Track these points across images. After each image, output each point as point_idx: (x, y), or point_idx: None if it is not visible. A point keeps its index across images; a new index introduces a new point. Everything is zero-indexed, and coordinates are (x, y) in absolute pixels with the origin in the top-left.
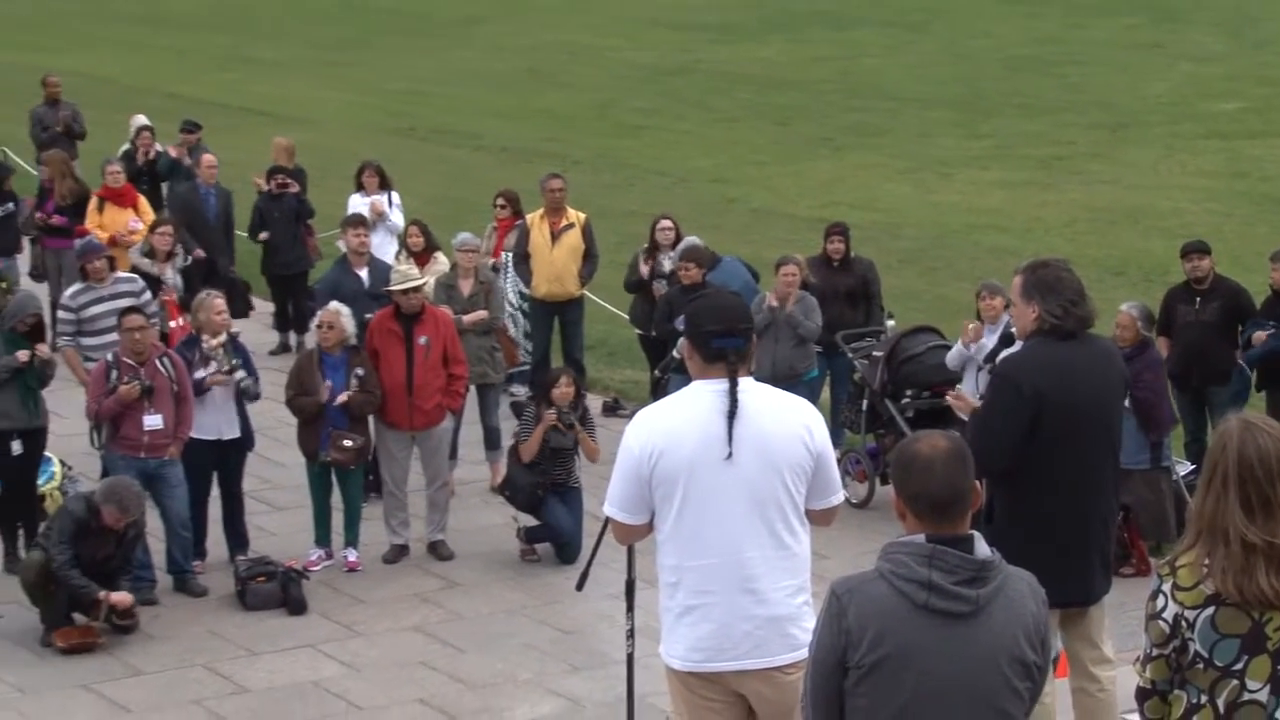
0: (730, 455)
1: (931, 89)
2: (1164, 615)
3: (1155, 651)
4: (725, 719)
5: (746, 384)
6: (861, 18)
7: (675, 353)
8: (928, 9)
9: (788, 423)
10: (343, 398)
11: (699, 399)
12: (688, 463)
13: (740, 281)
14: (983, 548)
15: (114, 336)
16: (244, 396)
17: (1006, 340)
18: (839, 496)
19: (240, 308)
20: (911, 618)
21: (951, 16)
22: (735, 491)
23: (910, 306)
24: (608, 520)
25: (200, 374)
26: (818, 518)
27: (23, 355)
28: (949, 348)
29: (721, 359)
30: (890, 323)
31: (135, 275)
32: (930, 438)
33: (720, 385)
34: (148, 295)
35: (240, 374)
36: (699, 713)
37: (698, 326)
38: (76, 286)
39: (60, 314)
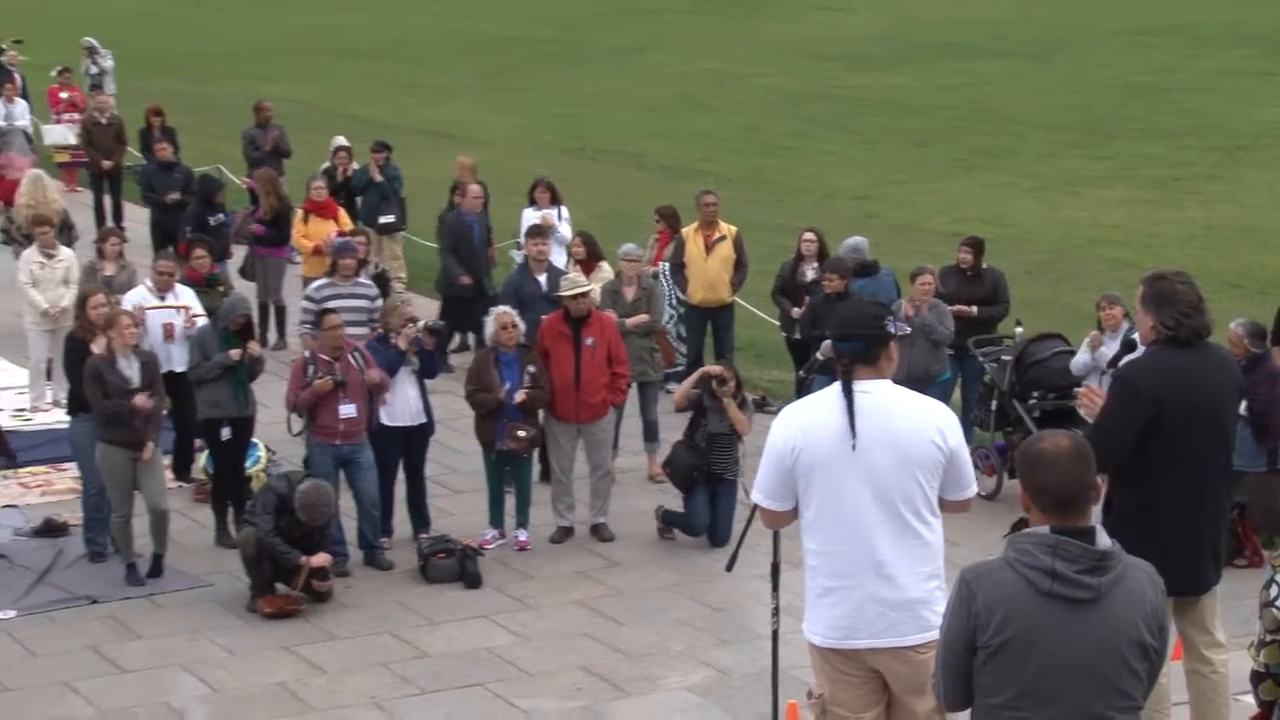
0: (854, 448)
1: (1055, 115)
2: (1277, 603)
3: (1269, 637)
4: (862, 691)
5: (879, 386)
6: (987, 49)
7: (818, 355)
8: (1050, 41)
9: (919, 422)
10: (520, 395)
11: (833, 398)
12: (822, 455)
13: (888, 295)
14: (1104, 539)
15: (349, 330)
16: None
17: (1128, 346)
18: (972, 490)
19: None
20: (1036, 603)
21: (1073, 47)
22: (866, 484)
23: (1037, 315)
24: (755, 506)
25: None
26: (953, 508)
27: (234, 354)
28: (1073, 353)
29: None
30: (1019, 329)
31: (372, 282)
32: (1054, 436)
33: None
34: (380, 301)
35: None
36: (838, 686)
37: (830, 331)
38: (322, 281)
39: (303, 304)
